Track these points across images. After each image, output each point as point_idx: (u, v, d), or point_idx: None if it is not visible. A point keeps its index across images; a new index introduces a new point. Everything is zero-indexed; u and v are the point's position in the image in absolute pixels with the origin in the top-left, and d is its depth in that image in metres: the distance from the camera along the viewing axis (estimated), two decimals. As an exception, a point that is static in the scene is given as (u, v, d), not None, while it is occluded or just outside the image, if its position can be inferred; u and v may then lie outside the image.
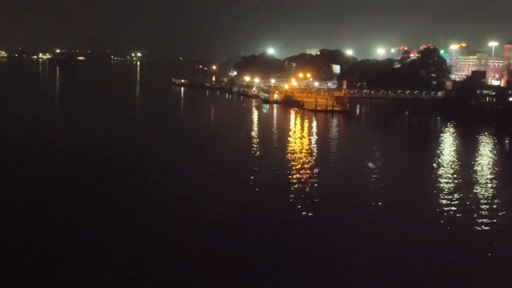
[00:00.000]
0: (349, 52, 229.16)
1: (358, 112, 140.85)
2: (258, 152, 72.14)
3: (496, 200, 50.28)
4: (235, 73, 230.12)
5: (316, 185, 54.49)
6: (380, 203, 47.55)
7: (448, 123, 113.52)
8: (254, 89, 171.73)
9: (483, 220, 44.05)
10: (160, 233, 38.03)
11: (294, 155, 69.79)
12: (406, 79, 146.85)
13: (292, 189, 52.29)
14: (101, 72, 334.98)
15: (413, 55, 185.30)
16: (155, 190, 49.67)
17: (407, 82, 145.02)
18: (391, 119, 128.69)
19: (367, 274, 32.62)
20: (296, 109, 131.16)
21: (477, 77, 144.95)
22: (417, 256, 35.71)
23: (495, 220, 44.10)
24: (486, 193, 52.99)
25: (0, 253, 33.77)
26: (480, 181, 58.46)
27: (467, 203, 48.81)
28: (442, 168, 65.13)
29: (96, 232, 37.87)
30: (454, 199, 50.22)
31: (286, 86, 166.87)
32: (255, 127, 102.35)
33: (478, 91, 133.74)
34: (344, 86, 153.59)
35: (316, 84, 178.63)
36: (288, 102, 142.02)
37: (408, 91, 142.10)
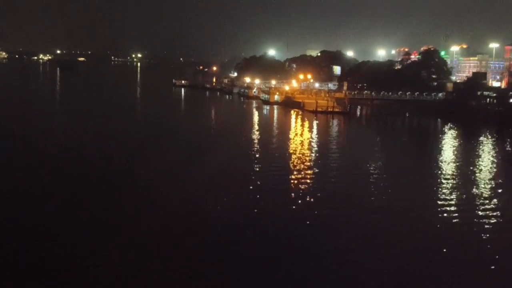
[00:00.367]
0: (349, 53, 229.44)
1: (358, 113, 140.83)
2: (258, 153, 72.08)
3: (496, 201, 50.15)
4: (235, 74, 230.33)
5: (316, 185, 54.39)
6: (380, 204, 47.44)
7: (449, 125, 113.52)
8: (254, 90, 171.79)
9: (484, 221, 43.95)
10: (160, 233, 37.97)
11: (294, 156, 69.72)
12: (407, 81, 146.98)
13: (292, 189, 52.23)
14: (102, 73, 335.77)
15: (414, 57, 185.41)
16: (155, 190, 49.54)
17: (408, 83, 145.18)
18: (392, 121, 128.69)
19: (367, 274, 32.56)
20: (297, 110, 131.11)
21: (478, 79, 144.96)
22: (417, 256, 35.59)
23: (496, 221, 43.99)
24: (486, 194, 52.90)
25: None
26: (480, 182, 58.42)
27: (468, 204, 48.73)
28: (442, 169, 65.07)
29: (96, 231, 37.85)
30: (454, 200, 50.16)
31: (287, 87, 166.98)
32: (255, 128, 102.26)
33: (478, 93, 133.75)
34: (345, 88, 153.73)
35: (317, 85, 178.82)
36: (289, 103, 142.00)
37: (409, 93, 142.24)
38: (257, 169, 60.95)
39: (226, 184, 52.42)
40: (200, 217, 42.01)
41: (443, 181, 58.05)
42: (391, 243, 37.96)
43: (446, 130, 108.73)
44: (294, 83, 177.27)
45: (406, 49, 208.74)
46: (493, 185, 57.01)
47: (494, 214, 45.94)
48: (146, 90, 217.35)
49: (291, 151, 74.24)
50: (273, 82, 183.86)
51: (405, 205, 47.28)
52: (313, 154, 73.35)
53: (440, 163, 69.50)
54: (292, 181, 55.85)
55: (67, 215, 41.36)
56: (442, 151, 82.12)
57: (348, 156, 74.15)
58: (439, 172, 63.10)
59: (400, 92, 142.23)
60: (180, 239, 37.23)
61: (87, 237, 36.94)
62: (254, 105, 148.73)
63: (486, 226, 42.62)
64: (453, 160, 72.83)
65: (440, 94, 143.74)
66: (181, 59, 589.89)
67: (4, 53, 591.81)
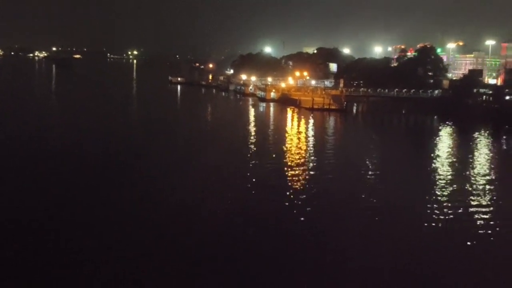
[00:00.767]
0: (346, 51, 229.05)
1: (355, 110, 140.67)
2: (254, 150, 71.93)
3: (493, 200, 50.10)
4: (231, 71, 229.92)
5: (312, 183, 54.23)
6: (376, 202, 47.34)
7: (445, 122, 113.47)
8: (250, 87, 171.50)
9: (481, 219, 43.87)
10: (157, 230, 37.98)
11: (291, 154, 69.61)
12: (403, 78, 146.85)
13: (288, 187, 52.04)
14: (98, 70, 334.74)
15: (410, 54, 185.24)
16: (151, 187, 49.44)
17: (404, 80, 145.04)
18: (388, 118, 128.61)
19: (362, 272, 32.46)
20: (293, 107, 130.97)
21: (474, 76, 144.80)
22: (413, 255, 35.48)
23: (493, 220, 43.87)
24: (483, 191, 52.79)
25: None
26: (477, 179, 58.29)
27: (464, 201, 48.57)
28: (438, 166, 65.03)
29: (92, 228, 37.84)
30: (450, 198, 49.98)
31: (283, 85, 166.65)
32: (251, 125, 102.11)
33: (475, 90, 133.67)
34: (341, 85, 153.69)
35: (313, 82, 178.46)
36: (285, 101, 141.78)
37: (405, 90, 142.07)
38: (253, 166, 60.80)
39: (222, 181, 52.34)
40: (196, 214, 41.90)
41: (439, 178, 57.96)
42: (386, 241, 37.82)
43: (442, 127, 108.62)
44: (291, 80, 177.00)
45: (403, 46, 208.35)
46: (490, 183, 56.91)
47: (492, 213, 45.82)
48: (142, 87, 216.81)
49: (287, 149, 74.09)
50: (270, 79, 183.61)
51: (401, 203, 47.14)
52: (309, 152, 73.26)
53: (436, 161, 69.46)
54: (288, 178, 55.68)
55: (63, 212, 41.31)
56: (438, 148, 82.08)
57: (344, 153, 74.08)
58: (435, 169, 63.04)
59: (397, 89, 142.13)
60: (177, 236, 37.15)
61: (83, 233, 36.87)
62: (250, 102, 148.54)
63: (484, 225, 42.49)
64: (449, 158, 72.77)
65: (436, 91, 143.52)
66: (177, 56, 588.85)
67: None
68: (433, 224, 41.93)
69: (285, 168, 60.27)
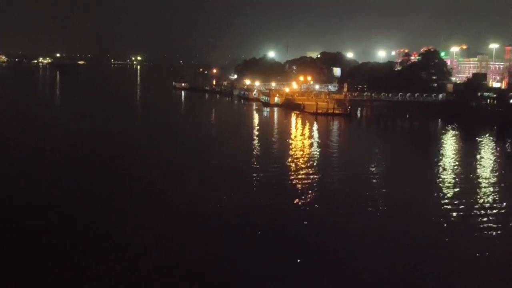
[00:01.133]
0: (349, 55, 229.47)
1: (359, 115, 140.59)
2: (258, 154, 71.92)
3: (497, 203, 49.84)
4: (235, 76, 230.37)
5: (315, 186, 54.23)
6: (380, 206, 47.15)
7: (449, 126, 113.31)
8: (254, 92, 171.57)
9: (485, 223, 43.70)
10: (159, 231, 38.11)
11: (295, 158, 69.54)
12: (407, 82, 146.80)
13: (291, 189, 52.07)
14: (102, 76, 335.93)
15: (414, 58, 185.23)
16: (155, 190, 49.66)
17: (408, 84, 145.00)
18: (392, 122, 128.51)
19: (364, 273, 32.47)
20: (297, 112, 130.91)
21: (478, 79, 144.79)
22: (416, 256, 35.38)
23: (496, 223, 43.68)
24: (487, 195, 52.59)
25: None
26: (481, 183, 58.12)
27: (469, 205, 48.33)
28: (443, 170, 64.84)
29: (94, 229, 38.02)
30: (454, 201, 49.81)
31: (287, 89, 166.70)
32: (255, 130, 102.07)
33: (479, 93, 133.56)
34: (345, 89, 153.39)
35: (317, 87, 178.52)
36: (289, 105, 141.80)
37: (409, 94, 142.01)
38: (257, 170, 60.75)
39: (224, 184, 52.53)
40: (199, 216, 42.09)
41: (443, 182, 57.82)
42: (389, 244, 37.73)
43: (446, 131, 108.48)
44: (294, 85, 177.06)
45: (406, 50, 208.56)
46: (494, 187, 56.61)
47: (496, 216, 45.58)
48: (146, 92, 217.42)
49: (291, 153, 74.03)
50: (273, 84, 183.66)
51: (405, 206, 47.05)
52: (313, 155, 73.12)
53: (441, 165, 69.23)
54: (292, 181, 55.71)
55: (65, 214, 41.53)
56: (442, 152, 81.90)
57: (348, 157, 73.90)
58: (440, 173, 62.83)
59: (401, 93, 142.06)
60: (179, 237, 37.27)
61: (84, 235, 37.03)
62: (254, 107, 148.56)
63: (488, 229, 42.31)
64: (453, 161, 72.60)
65: (440, 95, 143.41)
66: (181, 61, 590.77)
67: (3, 57, 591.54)
68: (437, 227, 41.72)
69: (289, 172, 60.24)
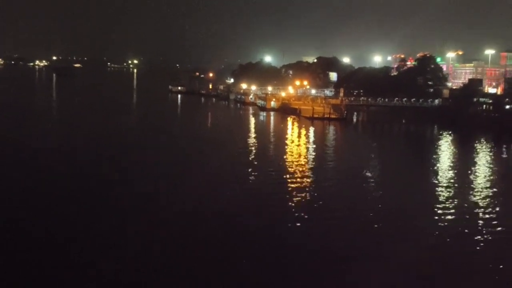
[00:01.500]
0: (345, 60, 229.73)
1: (355, 119, 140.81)
2: (254, 159, 72.03)
3: (493, 208, 50.09)
4: (232, 80, 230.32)
5: (311, 191, 54.40)
6: (376, 211, 47.40)
7: (445, 131, 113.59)
8: (251, 96, 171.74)
9: (481, 228, 43.84)
10: (158, 233, 38.25)
11: (291, 163, 69.69)
12: (403, 87, 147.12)
13: (287, 194, 52.21)
14: (98, 79, 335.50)
15: (410, 63, 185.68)
16: (152, 193, 49.79)
17: (404, 89, 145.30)
18: (388, 127, 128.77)
19: (361, 277, 32.59)
20: (293, 116, 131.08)
21: (474, 85, 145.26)
22: (411, 262, 35.45)
23: (493, 229, 43.91)
24: (483, 201, 52.84)
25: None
26: (477, 189, 58.36)
27: (465, 211, 48.63)
28: (438, 176, 64.99)
29: (94, 230, 38.19)
30: (450, 206, 50.05)
31: (283, 94, 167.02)
32: (252, 134, 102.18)
33: (475, 99, 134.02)
34: (341, 94, 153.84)
35: (313, 91, 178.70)
36: (285, 110, 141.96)
37: (405, 99, 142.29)
38: (254, 174, 61.00)
39: (221, 187, 52.85)
40: (199, 216, 42.49)
41: (439, 187, 58.00)
42: (386, 246, 37.98)
43: (442, 136, 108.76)
44: (291, 90, 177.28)
45: (402, 56, 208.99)
46: (491, 192, 56.90)
47: (492, 222, 45.77)
48: (142, 96, 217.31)
49: (288, 157, 74.18)
50: (270, 88, 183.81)
51: (400, 211, 47.26)
52: (309, 160, 73.30)
53: (436, 170, 69.44)
54: (288, 186, 55.88)
55: (65, 214, 41.81)
56: (438, 157, 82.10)
57: (344, 162, 74.09)
58: (435, 178, 63.03)
59: (397, 98, 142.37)
60: (177, 239, 37.40)
61: (84, 235, 37.29)
62: (251, 111, 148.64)
63: (484, 234, 42.44)
64: (449, 167, 72.77)
65: (436, 101, 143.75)
66: (177, 65, 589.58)
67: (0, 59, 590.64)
68: (433, 232, 41.91)
69: (285, 176, 60.38)
